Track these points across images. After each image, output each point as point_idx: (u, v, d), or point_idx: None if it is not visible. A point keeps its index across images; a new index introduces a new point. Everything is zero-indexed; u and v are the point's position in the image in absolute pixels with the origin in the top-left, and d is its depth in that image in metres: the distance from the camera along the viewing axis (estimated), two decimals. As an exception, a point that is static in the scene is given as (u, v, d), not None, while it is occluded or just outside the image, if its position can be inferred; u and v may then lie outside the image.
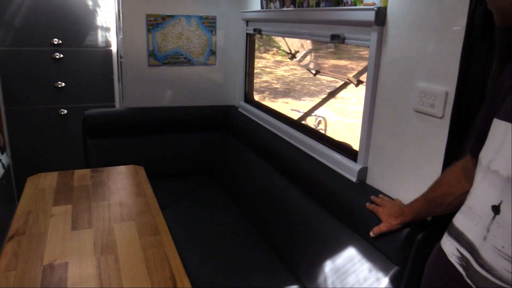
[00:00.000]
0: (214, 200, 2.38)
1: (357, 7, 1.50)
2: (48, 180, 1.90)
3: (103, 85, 3.26)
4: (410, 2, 1.32)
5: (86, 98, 3.21)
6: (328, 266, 1.53)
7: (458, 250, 0.70)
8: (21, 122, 3.12)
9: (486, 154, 0.71)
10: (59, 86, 3.15)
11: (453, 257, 0.71)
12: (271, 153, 2.14)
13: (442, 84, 1.23)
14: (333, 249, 1.54)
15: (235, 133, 2.62)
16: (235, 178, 2.40)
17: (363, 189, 1.54)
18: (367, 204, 1.39)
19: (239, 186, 2.33)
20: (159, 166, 2.60)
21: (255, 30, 2.40)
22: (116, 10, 2.88)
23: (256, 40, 3.40)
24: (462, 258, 0.69)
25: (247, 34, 2.56)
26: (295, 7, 1.93)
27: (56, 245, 1.39)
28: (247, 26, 2.53)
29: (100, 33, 3.19)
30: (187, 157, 2.69)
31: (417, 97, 1.31)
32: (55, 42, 3.07)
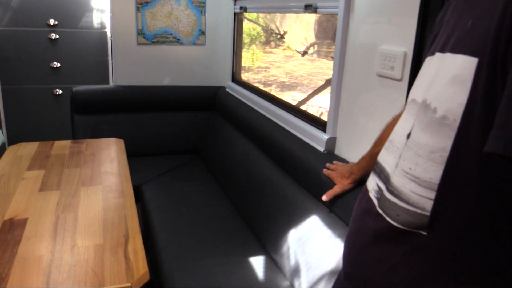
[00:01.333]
0: (196, 177, 2.39)
1: (326, -27, 1.49)
2: (28, 149, 1.93)
3: (97, 66, 3.30)
4: (375, -35, 1.31)
5: (81, 78, 3.26)
6: (292, 236, 1.52)
7: (377, 184, 0.69)
8: (16, 102, 3.18)
9: (412, 91, 0.70)
10: (55, 66, 3.20)
11: (372, 192, 0.70)
12: (252, 130, 2.14)
13: (401, 45, 1.21)
14: (298, 220, 1.53)
15: (222, 113, 2.62)
16: (219, 156, 2.40)
17: (329, 158, 1.53)
18: (324, 170, 1.39)
19: (221, 164, 2.33)
20: (146, 144, 2.62)
21: (241, 8, 2.39)
22: (108, -10, 2.90)
23: (260, 30, 3.40)
24: (378, 190, 0.68)
25: (234, 13, 2.56)
26: (275, -20, 1.92)
27: (20, 204, 1.41)
28: (234, 5, 2.52)
29: (95, 15, 3.23)
30: (174, 136, 2.70)
31: (379, 60, 1.29)
32: (51, 23, 3.12)
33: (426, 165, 0.57)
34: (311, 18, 4.13)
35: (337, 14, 1.47)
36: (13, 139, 3.21)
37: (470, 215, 0.54)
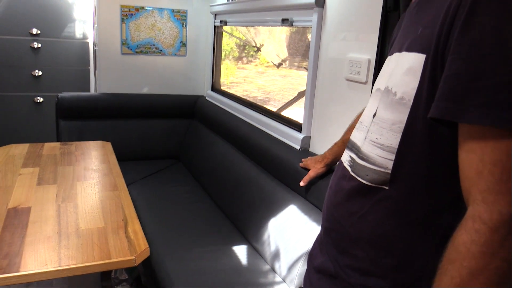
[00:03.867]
0: (178, 179, 2.52)
1: (301, -9, 1.70)
2: (19, 149, 2.03)
3: (78, 75, 3.40)
4: (343, -15, 1.52)
5: (62, 87, 3.33)
6: (271, 224, 1.69)
7: (349, 155, 0.87)
8: (-4, 108, 3.23)
9: (375, 85, 0.89)
10: (36, 74, 3.28)
11: (346, 162, 0.88)
12: (231, 133, 2.30)
13: (366, 54, 1.42)
14: (277, 210, 1.70)
15: (202, 120, 2.77)
16: (199, 160, 2.55)
17: (305, 155, 1.71)
18: (300, 164, 1.57)
19: (201, 166, 2.48)
20: (128, 149, 2.73)
21: (221, 21, 2.58)
22: (93, 2, 3.03)
23: (235, 47, 3.59)
24: (351, 159, 0.85)
25: (215, 26, 2.74)
26: (254, -3, 2.12)
27: (21, 195, 1.52)
28: (215, 19, 2.71)
29: (77, 25, 3.34)
30: (155, 142, 2.83)
31: (347, 66, 1.50)
32: (34, 32, 3.21)
33: (388, 134, 0.75)
34: (282, 36, 4.37)
35: (310, 27, 1.68)
36: (-8, 146, 3.24)
37: (421, 171, 0.72)
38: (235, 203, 1.99)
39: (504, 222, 0.56)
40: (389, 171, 0.75)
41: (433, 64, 0.67)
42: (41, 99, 3.33)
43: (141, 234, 1.29)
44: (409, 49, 0.73)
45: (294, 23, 1.80)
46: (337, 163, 0.95)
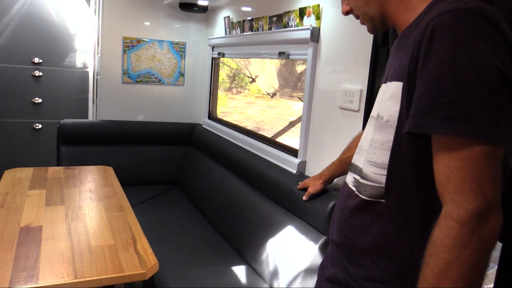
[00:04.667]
0: (176, 204, 2.60)
1: (298, 27, 1.85)
2: (24, 172, 2.10)
3: (77, 103, 3.50)
4: (337, 23, 1.68)
5: (61, 114, 3.43)
6: (270, 245, 1.77)
7: (353, 177, 0.98)
8: (-5, 134, 3.29)
9: (371, 113, 1.01)
10: (36, 102, 3.37)
11: (350, 183, 0.99)
12: (229, 159, 2.40)
13: (358, 84, 1.56)
14: (275, 231, 1.78)
15: (199, 147, 2.88)
16: (197, 185, 2.63)
17: (301, 178, 1.82)
18: (298, 186, 1.67)
19: (199, 192, 2.56)
20: (127, 174, 2.80)
21: (219, 53, 2.73)
22: (96, 34, 3.17)
23: (226, 77, 3.74)
24: (355, 180, 0.96)
25: (212, 58, 2.89)
26: (252, 32, 2.28)
27: (31, 215, 1.58)
28: (212, 51, 2.86)
29: (78, 55, 3.47)
30: (153, 167, 2.91)
31: (341, 96, 1.63)
32: (36, 61, 3.32)
33: (379, 153, 0.86)
34: (273, 67, 4.56)
35: (306, 60, 1.82)
36: (-11, 171, 3.28)
37: (410, 182, 0.83)
38: (233, 225, 2.07)
39: (470, 217, 0.67)
40: (383, 185, 0.86)
41: (409, 90, 0.79)
42: (40, 126, 3.41)
43: (150, 250, 1.37)
44: (391, 79, 0.86)
45: (290, 56, 1.95)
46: (342, 184, 1.06)
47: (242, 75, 4.11)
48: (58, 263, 1.25)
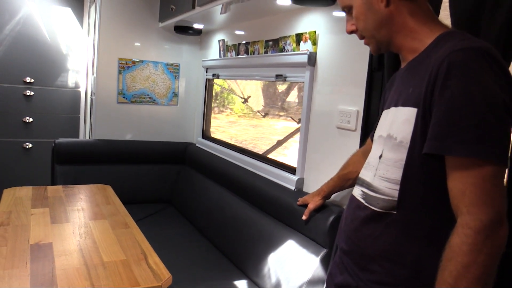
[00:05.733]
0: (172, 221, 2.64)
1: (295, 52, 1.96)
2: (24, 191, 2.11)
3: (69, 122, 3.52)
4: (333, 48, 1.79)
5: (52, 133, 3.44)
6: (271, 259, 1.83)
7: (361, 190, 1.07)
8: (-16, 154, 3.27)
9: (376, 133, 1.11)
10: (27, 121, 3.38)
11: (358, 196, 1.08)
12: (224, 177, 2.47)
13: (354, 106, 1.67)
14: (275, 245, 1.85)
15: (193, 165, 2.94)
16: (192, 203, 2.68)
17: (299, 194, 1.90)
18: (297, 202, 1.76)
19: (195, 209, 2.61)
20: (121, 193, 2.81)
21: (213, 75, 2.83)
22: (90, 54, 3.23)
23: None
24: (363, 193, 1.06)
25: (206, 79, 2.98)
26: (247, 55, 2.38)
27: (39, 232, 1.61)
28: (206, 72, 2.96)
29: (70, 75, 3.51)
30: (148, 186, 2.95)
31: (338, 117, 1.74)
32: (28, 80, 3.34)
33: (392, 170, 0.96)
34: (262, 87, 4.68)
35: (303, 83, 1.93)
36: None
37: (420, 196, 0.93)
38: (233, 241, 2.13)
39: (484, 227, 0.79)
40: (396, 199, 0.95)
41: (423, 116, 0.90)
42: (30, 145, 3.41)
43: (162, 265, 1.42)
44: (404, 104, 0.97)
45: (287, 79, 2.05)
46: (349, 197, 1.15)
47: (225, 95, 4.21)
48: (75, 278, 1.28)
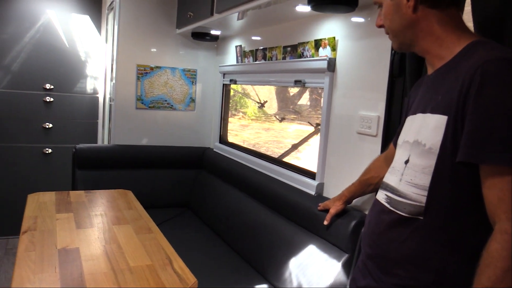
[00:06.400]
0: (190, 226, 2.66)
1: (314, 58, 1.98)
2: (47, 196, 2.15)
3: (87, 128, 3.57)
4: (352, 54, 1.80)
5: (71, 139, 3.50)
6: (292, 264, 1.84)
7: (385, 194, 1.08)
8: (6, 158, 3.34)
9: (400, 138, 1.12)
10: (47, 126, 3.44)
11: (382, 200, 1.09)
12: (242, 181, 2.49)
13: (375, 111, 1.67)
14: (295, 250, 1.86)
15: (210, 170, 2.96)
16: (211, 207, 2.71)
17: (319, 199, 1.91)
18: (318, 207, 1.76)
19: (213, 214, 2.64)
20: (140, 197, 2.86)
21: (231, 80, 2.85)
22: (109, 61, 3.28)
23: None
24: (387, 197, 1.06)
25: (223, 84, 3.01)
26: (265, 60, 2.40)
27: (65, 237, 1.64)
28: (223, 78, 2.98)
29: (88, 81, 3.56)
30: (165, 191, 2.98)
31: (358, 122, 1.74)
32: (47, 87, 3.41)
33: (420, 176, 0.97)
34: (272, 92, 4.71)
35: (323, 88, 1.94)
36: (-1, 195, 3.32)
37: (448, 203, 0.93)
38: (252, 246, 2.14)
39: None
40: (423, 205, 0.96)
41: (454, 124, 0.91)
42: (50, 150, 3.47)
43: (187, 270, 1.44)
44: (433, 112, 0.97)
45: (306, 84, 2.07)
46: (373, 201, 1.15)
47: (237, 98, 4.24)
48: (103, 282, 1.31)
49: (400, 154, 1.07)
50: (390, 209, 1.03)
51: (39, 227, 1.73)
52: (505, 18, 1.12)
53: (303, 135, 3.28)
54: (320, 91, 2.23)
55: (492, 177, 0.85)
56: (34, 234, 1.66)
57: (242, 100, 4.55)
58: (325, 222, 1.69)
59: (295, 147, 4.20)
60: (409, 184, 1.00)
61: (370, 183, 1.49)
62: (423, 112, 1.01)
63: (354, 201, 1.70)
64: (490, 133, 0.83)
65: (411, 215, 0.98)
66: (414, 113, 1.06)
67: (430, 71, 1.06)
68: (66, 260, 1.45)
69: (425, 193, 0.96)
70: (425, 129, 0.98)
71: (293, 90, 3.48)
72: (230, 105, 4.38)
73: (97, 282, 1.31)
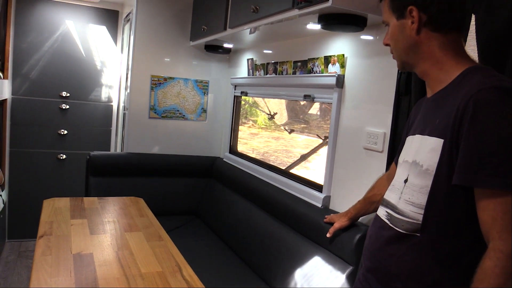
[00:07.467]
0: (199, 234, 2.72)
1: (324, 74, 2.03)
2: (62, 202, 2.23)
3: (101, 135, 3.67)
4: (361, 72, 1.86)
5: (85, 145, 3.59)
6: (297, 273, 1.89)
7: (385, 211, 1.13)
8: (21, 164, 3.44)
9: (401, 157, 1.17)
10: (62, 133, 3.54)
11: (383, 216, 1.13)
12: (250, 191, 2.54)
13: (382, 128, 1.72)
14: (301, 261, 1.91)
15: (219, 179, 3.02)
16: (219, 216, 2.76)
17: (326, 212, 1.96)
18: (324, 219, 1.81)
19: (222, 222, 2.69)
20: (150, 205, 2.93)
21: (242, 92, 2.92)
22: (123, 70, 3.37)
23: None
24: (387, 214, 1.11)
25: (234, 96, 3.08)
26: (276, 74, 2.47)
27: (80, 243, 1.71)
28: (235, 89, 3.05)
29: (103, 90, 3.66)
30: (175, 199, 3.05)
31: (365, 138, 1.79)
32: (63, 95, 3.51)
33: (418, 195, 1.02)
34: (282, 102, 4.77)
35: (331, 103, 2.00)
36: (13, 200, 3.41)
37: (443, 221, 0.98)
38: (259, 255, 2.19)
39: None
40: (420, 222, 1.01)
41: (450, 148, 0.96)
42: (64, 156, 3.56)
43: (196, 277, 1.49)
44: (430, 134, 1.02)
45: (315, 99, 2.12)
46: (374, 217, 1.20)
47: (247, 107, 4.32)
48: (116, 286, 1.37)
49: (400, 173, 1.12)
50: (390, 226, 1.08)
51: (54, 232, 1.80)
52: (509, 46, 1.16)
53: (313, 145, 3.32)
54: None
55: (485, 199, 0.90)
56: (50, 238, 1.72)
57: (252, 109, 4.62)
58: (328, 235, 1.73)
59: (304, 157, 4.24)
60: (407, 202, 1.04)
61: (373, 200, 1.53)
62: (421, 133, 1.06)
63: (360, 218, 1.74)
64: (482, 158, 0.88)
65: (408, 231, 1.03)
66: (413, 134, 1.11)
67: (429, 93, 1.11)
68: (80, 265, 1.51)
69: (422, 211, 1.00)
70: (422, 151, 1.03)
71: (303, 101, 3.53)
72: (240, 114, 4.45)
73: (109, 286, 1.36)
